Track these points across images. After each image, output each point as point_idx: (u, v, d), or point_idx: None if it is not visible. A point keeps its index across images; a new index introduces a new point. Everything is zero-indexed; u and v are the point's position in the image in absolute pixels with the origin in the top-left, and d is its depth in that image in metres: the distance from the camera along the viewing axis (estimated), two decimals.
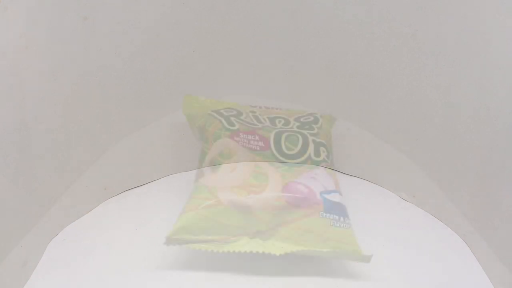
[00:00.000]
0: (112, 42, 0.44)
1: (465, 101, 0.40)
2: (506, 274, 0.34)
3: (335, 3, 0.46)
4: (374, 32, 0.46)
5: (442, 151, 0.42)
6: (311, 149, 0.37)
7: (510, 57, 0.36)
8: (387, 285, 0.34)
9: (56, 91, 0.40)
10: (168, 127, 0.39)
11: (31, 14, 0.37)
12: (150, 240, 0.36)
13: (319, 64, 0.45)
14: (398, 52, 0.45)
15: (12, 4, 0.36)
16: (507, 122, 0.36)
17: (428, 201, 0.40)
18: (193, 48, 0.44)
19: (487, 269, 0.35)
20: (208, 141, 0.37)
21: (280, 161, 0.36)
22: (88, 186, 0.44)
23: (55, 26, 0.39)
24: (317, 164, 0.36)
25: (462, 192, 0.39)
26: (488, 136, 0.38)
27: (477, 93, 0.38)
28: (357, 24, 0.46)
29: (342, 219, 0.34)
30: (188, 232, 0.33)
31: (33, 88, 0.38)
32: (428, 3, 0.40)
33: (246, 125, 0.38)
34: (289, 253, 0.33)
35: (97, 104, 0.45)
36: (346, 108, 0.49)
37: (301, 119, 0.41)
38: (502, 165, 0.36)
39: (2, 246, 0.35)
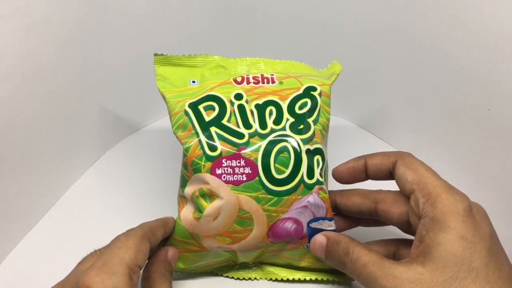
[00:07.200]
0: (113, 43, 0.45)
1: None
2: None
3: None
4: (375, 32, 0.46)
5: (445, 151, 0.42)
6: (304, 168, 0.32)
7: None
8: None
9: (57, 92, 0.40)
10: (168, 127, 0.35)
11: (31, 15, 0.36)
12: None
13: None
14: (398, 51, 0.45)
15: (11, 5, 0.35)
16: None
17: None
18: (193, 48, 0.40)
19: None
20: (187, 168, 0.32)
21: (269, 191, 0.32)
22: (88, 187, 0.45)
23: (55, 27, 0.39)
24: (310, 188, 0.33)
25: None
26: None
27: (478, 93, 0.38)
28: (357, 23, 0.47)
29: None
30: (177, 267, 0.34)
31: (34, 88, 0.38)
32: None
33: (229, 140, 0.32)
34: (274, 280, 0.35)
35: (97, 105, 0.46)
36: (346, 107, 0.51)
37: (296, 106, 0.34)
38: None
39: (2, 246, 0.37)
